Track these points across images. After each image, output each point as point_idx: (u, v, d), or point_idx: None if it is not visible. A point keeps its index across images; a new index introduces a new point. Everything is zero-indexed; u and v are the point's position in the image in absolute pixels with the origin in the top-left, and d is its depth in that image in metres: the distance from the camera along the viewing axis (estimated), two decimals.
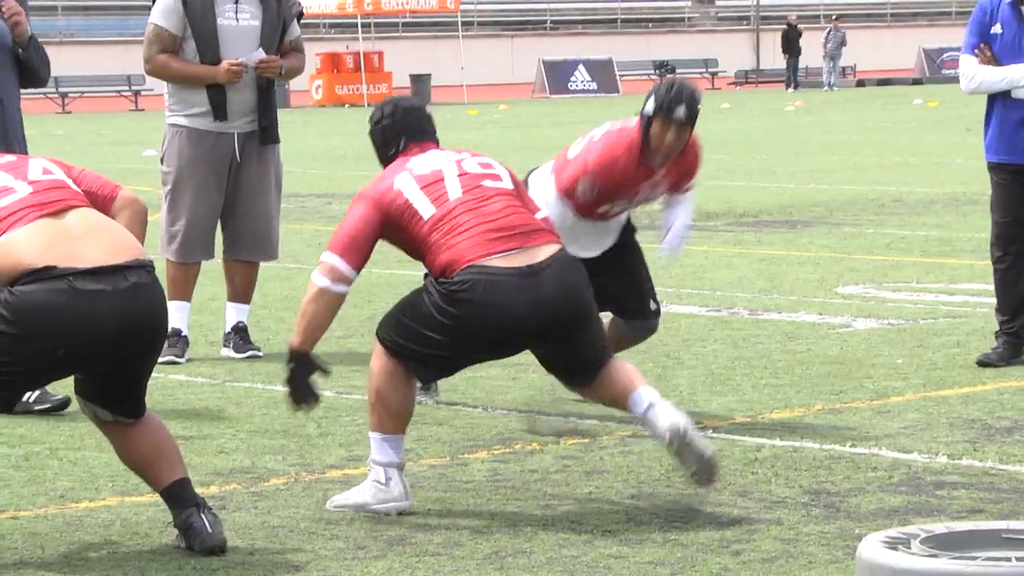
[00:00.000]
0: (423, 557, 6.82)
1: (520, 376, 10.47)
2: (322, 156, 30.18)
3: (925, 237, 17.73)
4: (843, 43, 65.10)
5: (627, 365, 7.72)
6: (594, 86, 63.83)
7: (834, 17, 67.37)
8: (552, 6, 73.38)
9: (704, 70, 68.74)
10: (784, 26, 66.48)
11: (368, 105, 54.15)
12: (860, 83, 66.44)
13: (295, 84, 42.25)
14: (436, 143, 7.80)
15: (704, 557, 6.79)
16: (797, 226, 18.89)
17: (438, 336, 7.29)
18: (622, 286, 9.38)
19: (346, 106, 55.56)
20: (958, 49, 11.77)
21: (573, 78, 64.12)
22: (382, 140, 7.73)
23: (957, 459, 8.36)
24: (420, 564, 6.72)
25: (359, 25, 59.19)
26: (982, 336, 11.09)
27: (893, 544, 4.20)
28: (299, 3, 11.39)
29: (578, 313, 7.48)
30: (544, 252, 7.38)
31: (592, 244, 9.27)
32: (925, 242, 17.36)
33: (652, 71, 66.62)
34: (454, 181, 7.46)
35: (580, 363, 7.64)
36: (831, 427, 9.10)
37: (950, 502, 7.63)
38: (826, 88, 63.38)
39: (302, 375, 7.40)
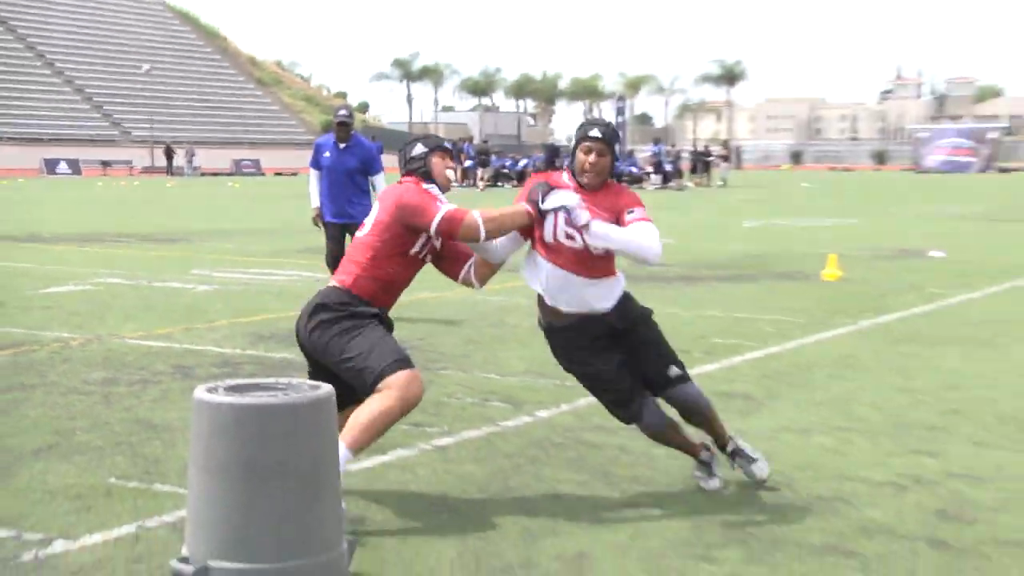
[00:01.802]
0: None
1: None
2: None
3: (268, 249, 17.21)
4: (194, 154, 63.54)
5: (358, 417, 4.68)
6: (70, 172, 60.37)
7: (193, 141, 65.10)
8: (48, 130, 68.22)
9: (103, 166, 63.83)
10: (164, 144, 64.52)
11: None
12: (203, 175, 63.46)
13: None
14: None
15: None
16: (192, 241, 18.16)
17: None
18: (639, 359, 5.08)
19: None
20: (308, 162, 10.26)
21: (60, 167, 60.54)
22: None
23: (244, 350, 8.08)
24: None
25: None
26: None
27: (211, 389, 4.13)
28: None
29: (299, 335, 4.93)
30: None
31: (589, 299, 5.02)
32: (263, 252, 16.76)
33: (99, 163, 62.91)
34: None
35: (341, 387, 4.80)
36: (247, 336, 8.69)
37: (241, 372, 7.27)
38: (187, 176, 61.09)
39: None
